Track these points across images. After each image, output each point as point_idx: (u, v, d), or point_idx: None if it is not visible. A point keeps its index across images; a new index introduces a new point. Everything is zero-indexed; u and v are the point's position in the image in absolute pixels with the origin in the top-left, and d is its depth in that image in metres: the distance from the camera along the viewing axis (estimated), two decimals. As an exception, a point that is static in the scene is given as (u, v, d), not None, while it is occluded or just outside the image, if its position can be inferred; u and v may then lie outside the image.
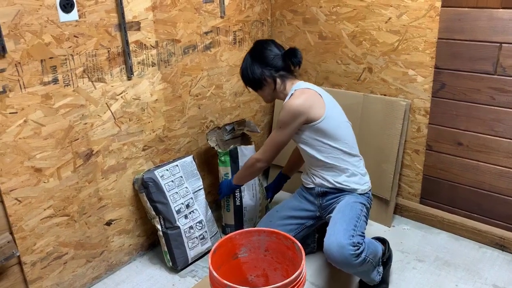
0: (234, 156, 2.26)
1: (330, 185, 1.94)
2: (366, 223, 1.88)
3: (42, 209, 1.79)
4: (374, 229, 2.39)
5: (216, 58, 2.39)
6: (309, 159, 1.97)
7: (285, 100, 1.90)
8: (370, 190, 1.98)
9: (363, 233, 1.80)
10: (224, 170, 2.30)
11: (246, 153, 2.27)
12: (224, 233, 2.40)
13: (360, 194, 1.93)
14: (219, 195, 2.31)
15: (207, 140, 2.33)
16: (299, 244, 1.59)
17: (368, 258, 1.73)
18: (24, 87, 1.63)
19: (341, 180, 1.92)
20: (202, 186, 2.26)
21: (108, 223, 2.06)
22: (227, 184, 2.25)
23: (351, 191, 1.92)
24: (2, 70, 1.56)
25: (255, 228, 1.74)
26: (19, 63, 1.60)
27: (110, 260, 2.11)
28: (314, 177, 1.99)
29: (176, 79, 2.20)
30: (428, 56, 2.17)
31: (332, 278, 2.05)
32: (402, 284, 2.00)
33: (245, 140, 2.49)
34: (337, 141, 1.89)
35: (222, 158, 2.27)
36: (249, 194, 2.32)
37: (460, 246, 2.24)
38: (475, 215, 2.26)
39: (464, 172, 2.23)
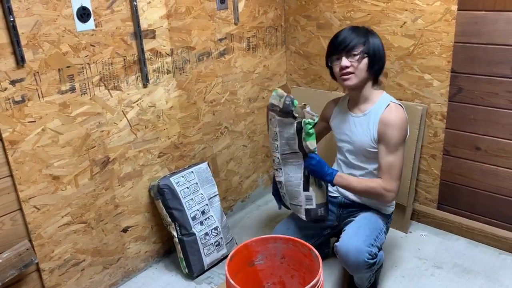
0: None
1: (354, 198, 1.92)
2: (384, 240, 1.87)
3: (60, 216, 1.81)
4: (391, 235, 2.35)
5: (230, 65, 2.39)
6: (359, 170, 1.89)
7: (383, 113, 1.76)
8: (392, 214, 1.97)
9: (381, 247, 1.79)
10: (312, 145, 1.76)
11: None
12: (319, 215, 1.87)
13: (382, 213, 1.91)
14: (310, 166, 1.78)
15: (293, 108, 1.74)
16: (316, 252, 1.58)
17: (375, 269, 1.75)
18: (42, 96, 1.66)
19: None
20: (217, 193, 2.26)
21: (125, 230, 2.07)
22: (325, 170, 1.77)
23: (375, 209, 1.90)
24: (21, 80, 1.59)
25: (271, 235, 1.73)
26: (37, 72, 1.62)
27: (126, 267, 2.12)
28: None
29: (191, 86, 2.21)
30: (445, 60, 2.14)
31: (342, 283, 2.03)
32: (421, 291, 1.98)
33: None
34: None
35: (311, 130, 1.74)
36: None
37: (480, 253, 2.21)
38: (495, 220, 2.22)
39: (483, 177, 2.20)
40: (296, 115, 1.74)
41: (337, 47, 1.76)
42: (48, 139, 1.71)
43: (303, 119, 1.73)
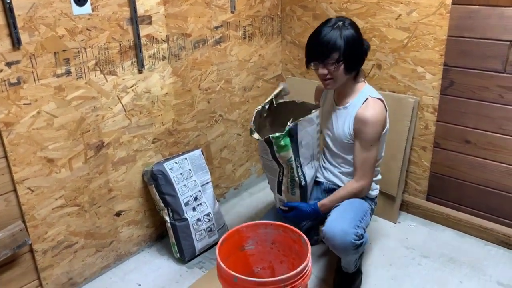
0: (292, 134, 1.81)
1: (340, 183, 1.96)
2: (369, 221, 1.91)
3: (53, 198, 1.83)
4: (380, 225, 2.40)
5: (226, 53, 2.40)
6: (339, 158, 1.94)
7: (359, 110, 1.79)
8: (376, 197, 2.01)
9: (365, 229, 1.82)
10: (286, 156, 1.82)
11: (307, 124, 1.84)
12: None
13: (367, 197, 1.95)
14: (288, 216, 1.92)
15: (252, 134, 1.84)
16: (305, 238, 1.61)
17: (361, 250, 1.78)
18: (38, 79, 1.67)
19: None
20: (210, 180, 2.29)
21: (118, 214, 2.09)
22: (310, 213, 1.89)
23: None
24: (17, 62, 1.59)
25: (262, 221, 1.76)
26: (33, 55, 1.63)
27: (119, 250, 2.15)
28: (327, 172, 2.00)
29: (186, 73, 2.22)
30: (438, 53, 2.17)
31: (332, 269, 2.06)
32: (407, 279, 2.02)
33: (282, 108, 2.01)
34: (379, 154, 1.90)
35: (282, 143, 1.79)
36: (308, 165, 1.93)
37: (466, 244, 2.25)
38: (482, 212, 2.27)
39: (471, 170, 2.24)
40: (254, 136, 1.82)
41: (313, 56, 1.77)
42: (43, 122, 1.72)
43: (270, 134, 1.78)
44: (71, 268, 1.96)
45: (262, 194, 2.77)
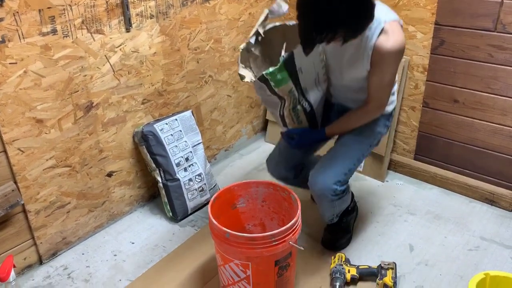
0: (290, 65, 1.61)
1: (352, 106, 1.80)
2: (370, 152, 1.85)
3: (44, 159, 1.82)
4: (368, 184, 2.45)
5: (215, 11, 2.36)
6: (350, 89, 1.76)
7: (377, 42, 1.51)
8: (394, 110, 1.85)
9: (348, 180, 1.79)
10: (287, 88, 1.66)
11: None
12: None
13: (381, 114, 1.77)
14: (291, 143, 1.82)
15: (243, 79, 1.65)
16: (295, 195, 1.64)
17: (336, 203, 1.79)
18: (23, 37, 1.63)
19: None
20: (201, 141, 2.30)
21: (109, 175, 2.10)
22: (313, 138, 1.82)
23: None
24: (1, 20, 1.55)
25: (253, 180, 1.78)
26: (17, 12, 1.58)
27: (111, 210, 2.18)
28: (338, 97, 1.85)
29: (175, 32, 2.18)
30: (429, 12, 2.15)
31: (319, 225, 2.11)
32: (393, 235, 2.08)
33: (280, 34, 1.76)
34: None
35: (279, 77, 1.60)
36: (313, 89, 1.76)
37: (451, 201, 2.32)
38: (467, 171, 2.32)
39: (459, 129, 2.27)
40: (246, 80, 1.64)
41: (312, 42, 1.47)
42: (31, 82, 1.69)
43: (264, 72, 1.58)
44: (64, 228, 1.99)
45: (253, 155, 2.79)
